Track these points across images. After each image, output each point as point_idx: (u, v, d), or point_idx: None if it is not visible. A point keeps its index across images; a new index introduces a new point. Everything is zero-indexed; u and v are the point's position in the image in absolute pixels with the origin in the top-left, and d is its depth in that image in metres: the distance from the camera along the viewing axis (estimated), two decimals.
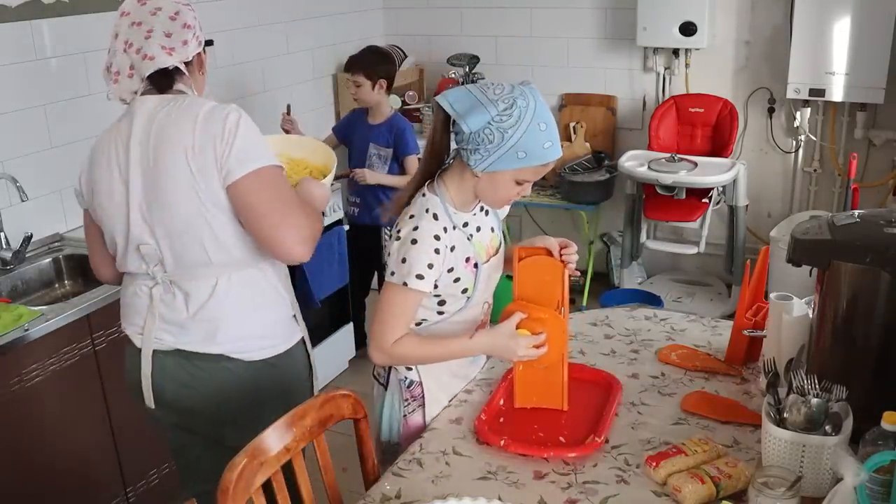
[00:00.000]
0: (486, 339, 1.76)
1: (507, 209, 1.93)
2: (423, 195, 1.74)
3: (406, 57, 4.66)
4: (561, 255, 1.76)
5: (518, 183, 1.69)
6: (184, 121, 1.74)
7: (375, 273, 3.88)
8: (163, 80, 1.80)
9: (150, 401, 1.87)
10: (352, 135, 3.64)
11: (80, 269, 2.79)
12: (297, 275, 3.32)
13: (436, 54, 4.65)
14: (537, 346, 1.73)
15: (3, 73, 2.70)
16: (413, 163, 3.52)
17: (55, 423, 2.36)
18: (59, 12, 2.85)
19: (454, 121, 1.65)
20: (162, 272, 1.79)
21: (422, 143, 3.97)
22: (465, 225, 1.76)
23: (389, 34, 4.81)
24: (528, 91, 1.63)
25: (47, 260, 2.77)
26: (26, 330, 2.24)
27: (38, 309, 2.38)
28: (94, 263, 1.97)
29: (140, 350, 1.84)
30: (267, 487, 1.56)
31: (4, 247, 2.69)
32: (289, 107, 3.57)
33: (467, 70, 4.43)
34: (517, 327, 1.74)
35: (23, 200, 2.60)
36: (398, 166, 3.53)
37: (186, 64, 1.83)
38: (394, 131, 3.49)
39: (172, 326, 1.82)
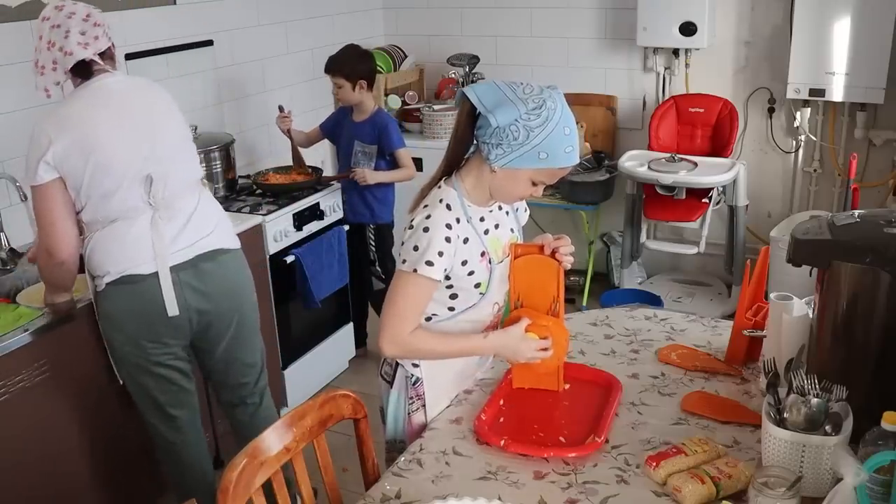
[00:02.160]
0: (499, 339, 1.79)
1: (526, 216, 1.95)
2: (439, 187, 1.76)
3: (406, 57, 4.66)
4: (555, 252, 1.76)
5: (534, 184, 1.70)
6: (151, 86, 2.39)
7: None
8: (82, 69, 2.23)
9: (173, 308, 2.28)
10: (338, 133, 3.64)
11: (80, 269, 2.78)
12: (298, 275, 3.33)
13: (436, 54, 4.65)
14: (543, 350, 1.78)
15: (3, 73, 2.70)
16: (405, 155, 3.53)
17: (56, 423, 2.36)
18: None
19: (478, 115, 1.66)
20: (160, 195, 2.25)
21: (416, 142, 4.05)
22: (482, 220, 1.77)
23: (389, 34, 4.81)
24: (556, 94, 1.65)
25: None
26: (26, 330, 2.24)
27: (38, 308, 2.38)
28: (59, 236, 2.20)
29: (154, 274, 2.24)
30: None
31: (4, 247, 2.69)
32: (281, 107, 3.58)
33: (467, 70, 4.43)
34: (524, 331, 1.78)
35: (22, 200, 2.60)
36: (385, 163, 3.54)
37: (101, 54, 2.24)
38: (377, 128, 3.50)
39: (175, 240, 2.27)
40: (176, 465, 2.55)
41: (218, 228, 2.40)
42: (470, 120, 1.69)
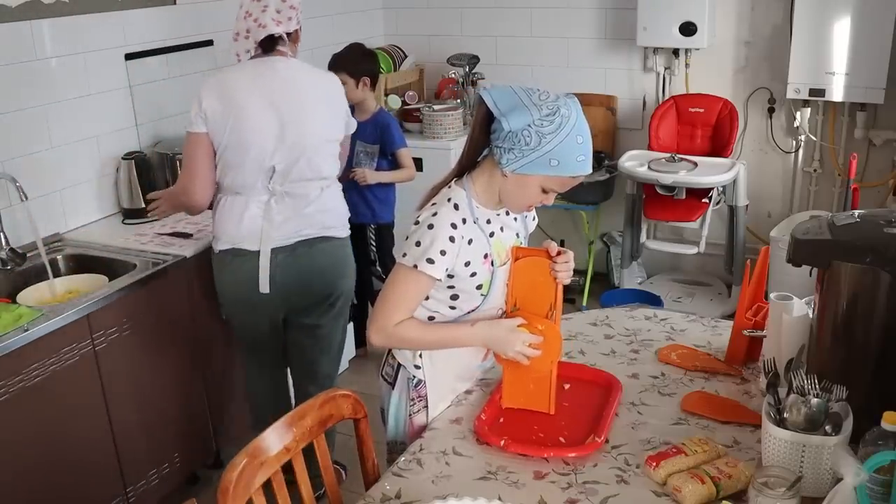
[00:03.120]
0: (486, 329, 1.76)
1: (534, 224, 1.94)
2: (450, 187, 1.76)
3: (406, 57, 4.66)
4: (554, 265, 1.74)
5: (544, 191, 1.69)
6: (319, 81, 2.56)
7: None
8: (269, 44, 2.46)
9: (265, 287, 2.51)
10: None
11: (80, 269, 2.79)
12: None
13: (436, 54, 4.65)
14: (533, 347, 1.74)
15: (3, 73, 2.70)
16: (406, 155, 3.53)
17: (55, 423, 2.36)
18: (59, 12, 2.85)
19: (493, 118, 1.66)
20: (279, 185, 2.45)
21: (416, 142, 4.03)
22: (488, 222, 1.77)
23: (389, 34, 4.81)
24: (572, 103, 1.65)
25: (47, 260, 2.76)
26: (26, 330, 2.24)
27: (38, 309, 2.38)
28: (195, 183, 2.46)
29: (257, 252, 2.48)
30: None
31: (4, 246, 2.69)
32: None
33: (467, 70, 4.43)
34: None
35: (22, 200, 2.60)
36: (387, 163, 3.54)
37: (288, 34, 2.48)
38: (379, 127, 3.50)
39: (282, 226, 2.49)
40: (255, 405, 2.86)
41: (328, 221, 2.59)
42: (485, 123, 1.69)
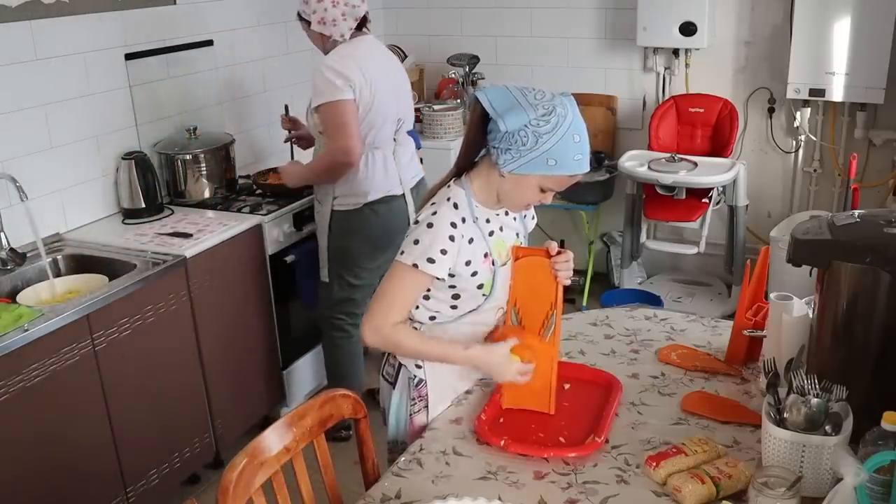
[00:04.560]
0: (480, 354, 1.77)
1: (533, 224, 1.94)
2: (448, 187, 1.76)
3: (406, 57, 4.66)
4: (554, 264, 1.75)
5: (542, 190, 1.69)
6: (391, 54, 3.10)
7: None
8: (363, 21, 2.92)
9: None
10: None
11: (80, 269, 2.79)
12: (298, 275, 3.32)
13: (436, 54, 4.65)
14: (524, 374, 1.76)
15: (4, 73, 2.70)
16: None
17: (55, 423, 2.36)
18: (59, 12, 2.85)
19: (490, 119, 1.66)
20: (400, 134, 2.99)
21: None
22: (488, 221, 1.77)
23: (389, 34, 4.81)
24: (568, 101, 1.65)
25: (47, 260, 2.76)
26: (26, 330, 2.24)
27: (38, 309, 2.38)
28: (354, 141, 2.82)
29: (402, 195, 2.98)
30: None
31: (4, 246, 2.69)
32: (287, 107, 3.57)
33: (467, 70, 4.43)
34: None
35: (22, 200, 2.60)
36: None
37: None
38: None
39: (407, 169, 3.02)
40: (342, 356, 3.19)
41: (420, 167, 3.13)
42: (482, 123, 1.69)
